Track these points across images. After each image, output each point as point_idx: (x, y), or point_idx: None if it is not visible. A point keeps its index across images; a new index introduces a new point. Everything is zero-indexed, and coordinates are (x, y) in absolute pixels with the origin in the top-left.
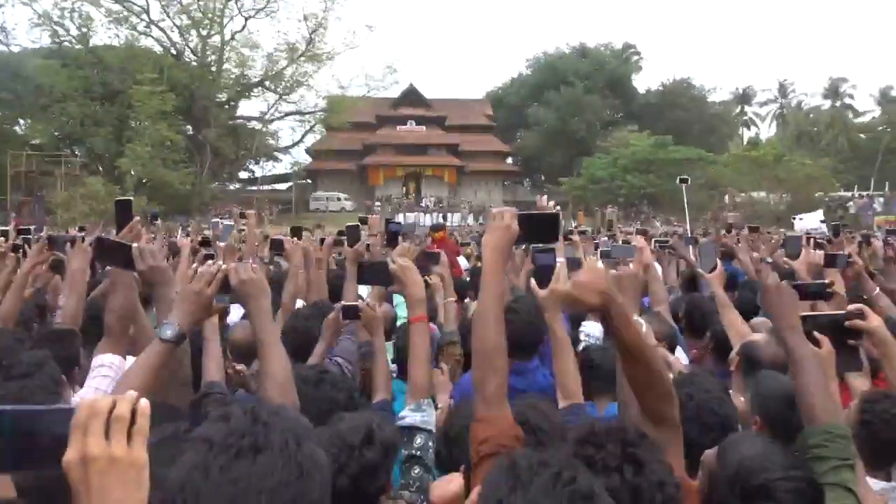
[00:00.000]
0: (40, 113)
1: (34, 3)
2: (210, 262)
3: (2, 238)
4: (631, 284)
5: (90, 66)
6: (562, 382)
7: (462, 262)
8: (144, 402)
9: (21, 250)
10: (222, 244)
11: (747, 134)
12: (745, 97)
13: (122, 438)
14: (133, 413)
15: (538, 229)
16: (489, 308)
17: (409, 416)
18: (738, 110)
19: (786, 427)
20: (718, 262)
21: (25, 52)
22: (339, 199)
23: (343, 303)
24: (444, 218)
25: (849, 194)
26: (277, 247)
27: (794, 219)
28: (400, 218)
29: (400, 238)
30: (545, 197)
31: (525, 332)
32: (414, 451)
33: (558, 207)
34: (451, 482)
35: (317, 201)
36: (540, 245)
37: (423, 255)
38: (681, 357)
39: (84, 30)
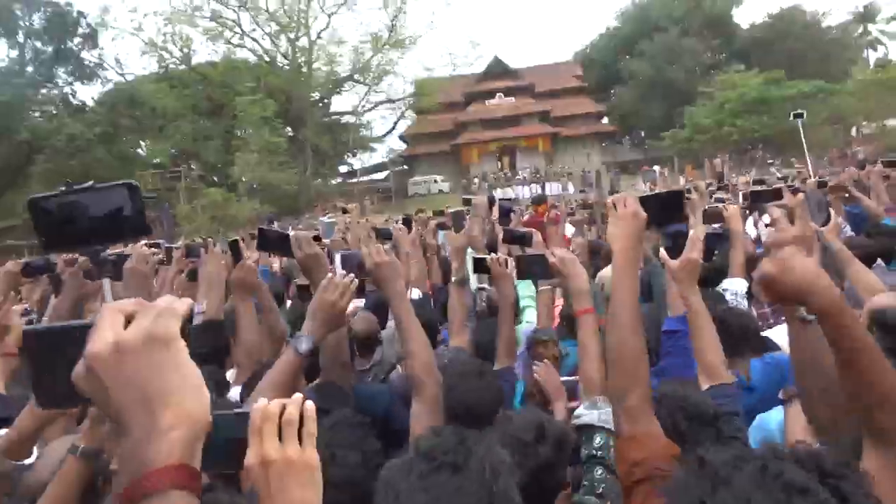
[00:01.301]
0: (157, 134)
1: (140, 33)
2: (342, 273)
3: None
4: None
5: (195, 84)
6: (703, 362)
7: (568, 229)
8: (310, 405)
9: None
10: (327, 241)
11: (874, 56)
12: (867, 15)
13: (295, 441)
14: (301, 416)
15: (663, 210)
16: (625, 309)
17: (585, 415)
18: (860, 31)
19: None
20: (831, 212)
21: (138, 80)
22: (435, 181)
23: (474, 254)
24: (543, 188)
25: None
26: (385, 235)
27: None
28: (498, 193)
29: (512, 214)
30: (718, 160)
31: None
32: (594, 451)
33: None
34: None
35: (415, 186)
36: None
37: (509, 235)
38: None
39: (185, 51)
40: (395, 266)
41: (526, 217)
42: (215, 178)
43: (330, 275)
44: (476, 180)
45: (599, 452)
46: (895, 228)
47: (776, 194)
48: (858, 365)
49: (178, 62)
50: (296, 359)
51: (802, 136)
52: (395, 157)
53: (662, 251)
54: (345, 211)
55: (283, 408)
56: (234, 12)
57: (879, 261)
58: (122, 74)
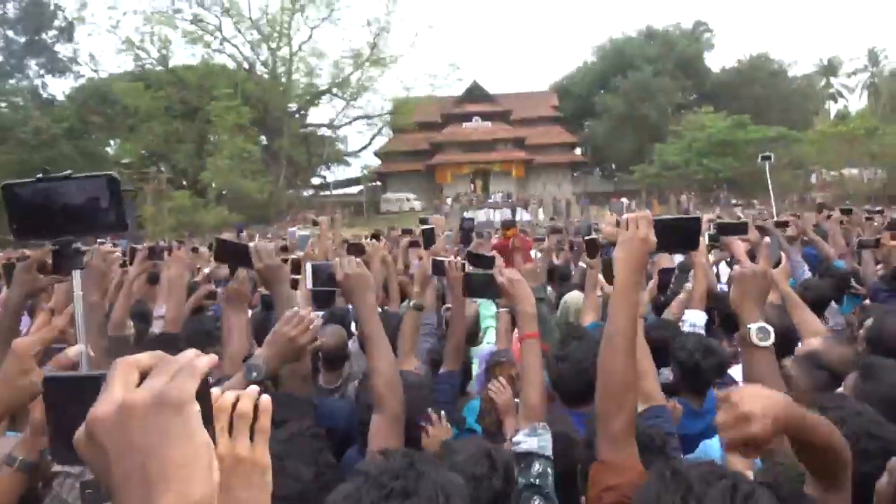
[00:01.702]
0: (128, 133)
1: (118, 31)
2: (308, 310)
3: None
4: (756, 284)
5: (170, 86)
6: (639, 385)
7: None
8: (266, 399)
9: (124, 264)
10: (300, 254)
11: (835, 107)
12: (830, 68)
13: (246, 437)
14: (255, 411)
15: (676, 236)
16: (620, 333)
17: (524, 442)
18: (822, 83)
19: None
20: (782, 255)
21: (112, 78)
22: (408, 199)
23: (433, 256)
24: (514, 213)
25: None
26: (356, 251)
27: None
28: (472, 216)
29: (473, 236)
30: (683, 197)
31: (578, 380)
32: (532, 480)
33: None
34: None
35: (387, 203)
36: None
37: (471, 256)
38: None
39: (163, 51)
40: (367, 278)
41: (494, 240)
42: (185, 183)
43: (295, 308)
44: (449, 201)
45: (538, 481)
46: (844, 271)
47: (742, 228)
48: (821, 445)
49: (154, 63)
50: (245, 385)
51: (768, 178)
52: (369, 173)
53: (601, 276)
54: (315, 223)
55: (237, 400)
56: (215, 17)
57: (833, 304)
58: (95, 71)
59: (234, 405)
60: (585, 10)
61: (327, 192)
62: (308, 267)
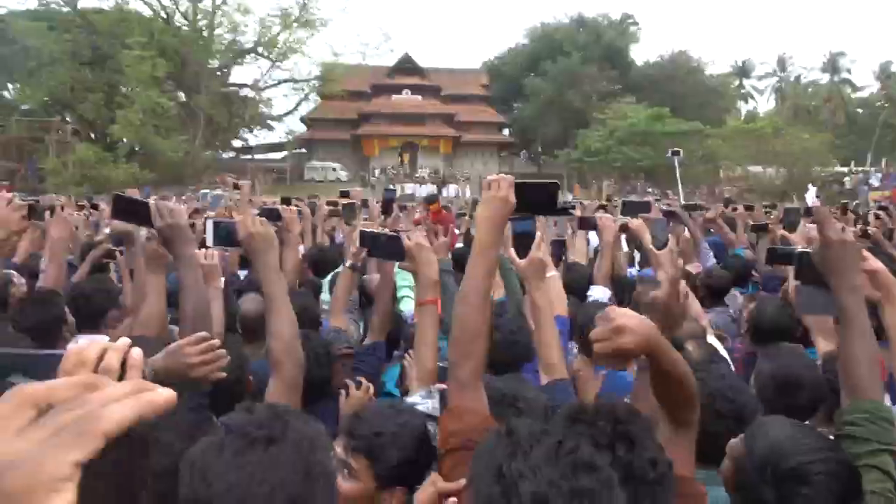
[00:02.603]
0: (29, 77)
1: None
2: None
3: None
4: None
5: (79, 30)
6: (543, 356)
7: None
8: (137, 353)
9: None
10: (212, 213)
11: (745, 108)
12: (743, 70)
13: None
14: (123, 365)
15: (535, 200)
16: (476, 286)
17: (420, 403)
18: (736, 84)
19: (782, 412)
20: (670, 237)
21: (11, 14)
22: (334, 169)
23: (363, 229)
24: (440, 189)
25: (845, 170)
26: (271, 216)
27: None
28: (398, 189)
29: (395, 207)
30: (605, 184)
31: (509, 351)
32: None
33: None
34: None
35: (311, 171)
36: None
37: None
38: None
39: None
40: (270, 237)
41: (417, 215)
42: (92, 135)
43: (203, 333)
44: (377, 172)
45: (434, 443)
46: (746, 259)
47: (645, 207)
48: (682, 382)
49: (61, 3)
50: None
51: (677, 171)
52: (293, 139)
53: (511, 250)
54: (236, 187)
55: (104, 352)
56: None
57: (734, 290)
58: None
59: (101, 359)
60: None
61: (249, 157)
62: (209, 224)
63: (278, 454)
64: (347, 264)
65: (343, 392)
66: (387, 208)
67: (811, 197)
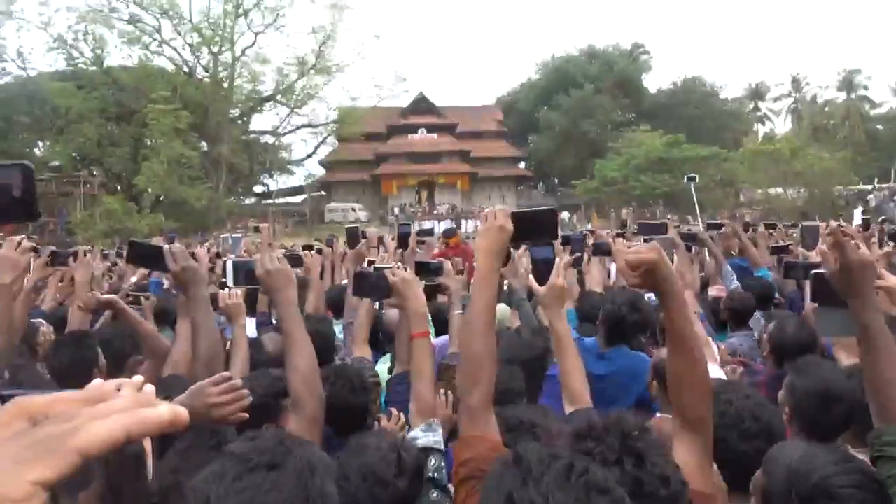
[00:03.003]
0: (58, 135)
1: (49, 28)
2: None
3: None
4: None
5: (105, 87)
6: (567, 385)
7: None
8: (150, 389)
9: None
10: (233, 256)
11: (762, 130)
12: (757, 93)
13: None
14: None
15: (534, 228)
16: (479, 315)
17: (421, 437)
18: (751, 106)
19: (819, 426)
20: (674, 254)
21: (41, 76)
22: (353, 209)
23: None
24: (458, 224)
25: (868, 187)
26: (294, 262)
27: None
28: (416, 227)
29: (410, 240)
30: (625, 212)
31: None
32: (431, 474)
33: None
34: None
35: (331, 212)
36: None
37: (420, 266)
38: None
39: (98, 51)
40: (288, 274)
41: (436, 250)
42: (119, 187)
43: (227, 374)
44: (396, 210)
45: (435, 475)
46: (767, 281)
47: (661, 228)
48: (686, 348)
49: (88, 62)
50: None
51: (694, 196)
52: (313, 182)
53: (531, 277)
54: (257, 229)
55: (119, 389)
56: (154, 18)
57: (757, 313)
58: (23, 68)
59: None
60: (530, 27)
61: (270, 201)
62: (229, 264)
63: (278, 479)
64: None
65: (376, 424)
66: (403, 242)
67: (857, 217)
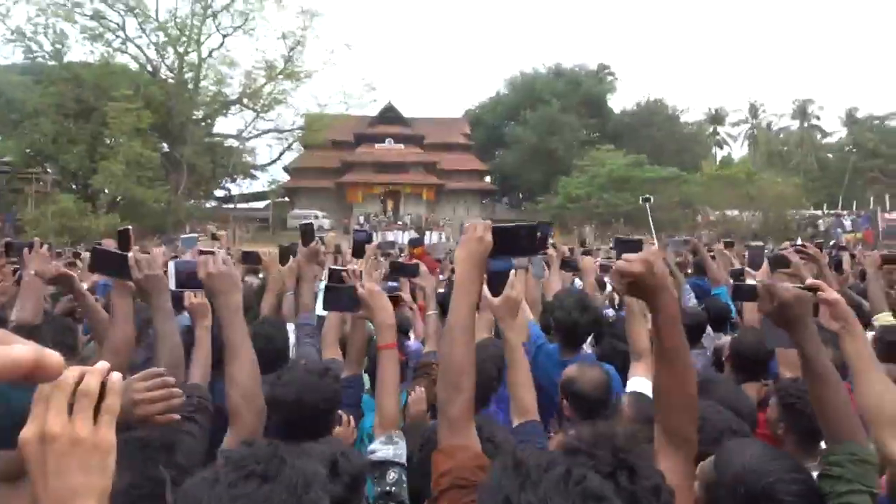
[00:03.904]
0: (11, 129)
1: (6, 19)
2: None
3: None
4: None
5: (64, 83)
6: (516, 397)
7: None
8: (116, 377)
9: None
10: (188, 256)
11: (720, 154)
12: (717, 117)
13: (88, 416)
14: (102, 388)
15: (515, 242)
16: (458, 324)
17: (380, 450)
18: (710, 130)
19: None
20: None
21: None
22: (316, 216)
23: (331, 267)
24: (422, 235)
25: (819, 213)
26: (251, 260)
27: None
28: (380, 236)
29: (368, 249)
30: (586, 228)
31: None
32: (388, 488)
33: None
34: None
35: (294, 219)
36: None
37: (396, 266)
38: None
39: (58, 46)
40: (231, 278)
41: (401, 259)
42: (74, 186)
43: (158, 369)
44: (361, 219)
45: (393, 489)
46: (723, 303)
47: (637, 245)
48: (677, 364)
49: (47, 56)
50: None
51: (650, 216)
52: (276, 188)
53: (485, 288)
54: (214, 237)
55: (81, 376)
56: (119, 15)
57: (709, 329)
58: None
59: (79, 382)
60: (499, 42)
61: (231, 206)
62: (171, 266)
63: (271, 491)
64: None
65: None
66: (358, 251)
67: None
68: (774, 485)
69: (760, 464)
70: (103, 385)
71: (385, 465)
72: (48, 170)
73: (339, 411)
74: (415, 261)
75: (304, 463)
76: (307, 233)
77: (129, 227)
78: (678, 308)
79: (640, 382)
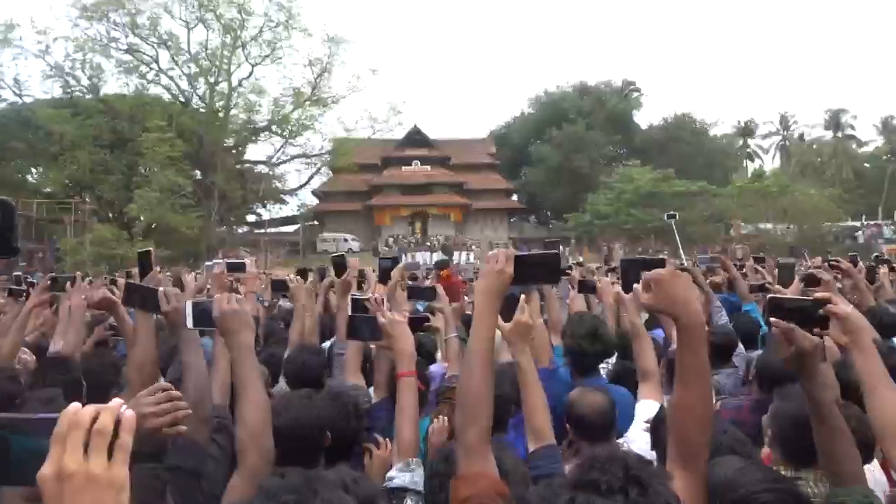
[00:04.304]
0: (52, 162)
1: (47, 56)
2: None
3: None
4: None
5: (100, 115)
6: (530, 421)
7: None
8: (129, 415)
9: (24, 294)
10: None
11: (751, 166)
12: (746, 130)
13: (103, 454)
14: (117, 426)
15: (536, 271)
16: (476, 355)
17: (397, 477)
18: (740, 143)
19: (799, 451)
20: (637, 286)
21: (37, 103)
22: (345, 240)
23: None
24: (450, 255)
25: (857, 224)
26: (280, 287)
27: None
28: (408, 258)
29: (394, 273)
30: (615, 245)
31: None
32: None
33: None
34: None
35: (324, 243)
36: None
37: (413, 291)
38: None
39: (95, 80)
40: (243, 317)
41: (428, 281)
42: (110, 214)
43: (164, 384)
44: (390, 240)
45: None
46: (753, 319)
47: (660, 264)
48: (698, 381)
49: (84, 90)
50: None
51: (676, 233)
52: (306, 212)
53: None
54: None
55: (97, 415)
56: (152, 48)
57: (740, 347)
58: (19, 95)
59: (94, 421)
60: (523, 62)
61: (262, 230)
62: (188, 306)
63: None
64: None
65: (368, 453)
66: (384, 276)
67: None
68: (753, 494)
69: (739, 475)
70: (117, 422)
71: (402, 492)
72: (86, 199)
73: (375, 434)
74: (433, 283)
75: (333, 494)
76: (339, 264)
77: (150, 248)
78: (704, 327)
79: (648, 406)
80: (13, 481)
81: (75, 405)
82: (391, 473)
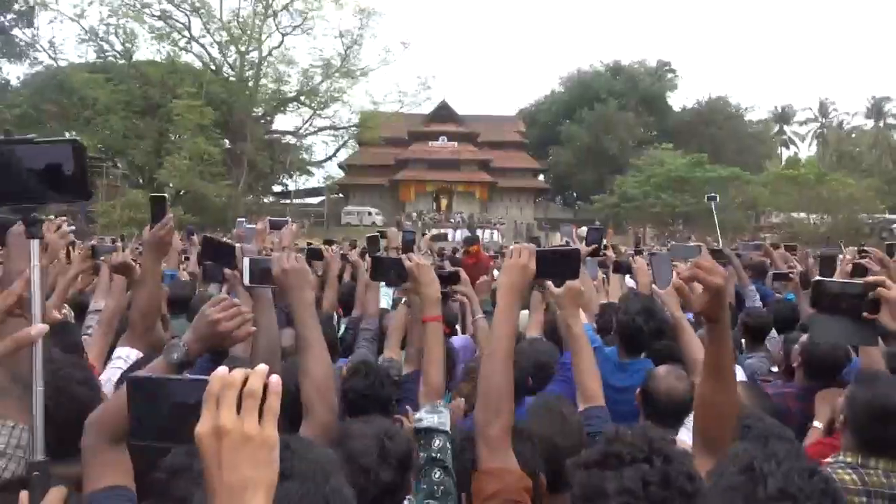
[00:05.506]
0: (84, 125)
1: (81, 20)
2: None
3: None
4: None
5: (132, 81)
6: (581, 383)
7: (497, 274)
8: (276, 379)
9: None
10: (249, 245)
11: (786, 154)
12: (783, 116)
13: (255, 415)
14: (264, 390)
15: (557, 266)
16: (499, 349)
17: (426, 419)
18: (776, 130)
19: (875, 440)
20: (675, 276)
21: (71, 67)
22: (370, 213)
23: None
24: (473, 233)
25: (894, 217)
26: (315, 255)
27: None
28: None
29: (423, 244)
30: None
31: (524, 375)
32: (434, 454)
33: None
34: None
35: (348, 215)
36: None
37: (393, 263)
38: None
39: (128, 45)
40: (305, 273)
41: (458, 255)
42: (140, 180)
43: (223, 295)
44: (414, 215)
45: (438, 455)
46: (790, 303)
47: (694, 252)
48: (727, 375)
49: (117, 56)
50: (167, 368)
51: (715, 216)
52: (331, 184)
53: (549, 282)
54: (329, 242)
55: (246, 378)
56: (185, 15)
57: (774, 333)
58: (54, 59)
59: (244, 383)
60: (555, 40)
61: (288, 201)
62: (245, 261)
63: (293, 488)
64: (403, 301)
65: (399, 423)
66: (407, 251)
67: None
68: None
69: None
70: (265, 386)
71: (430, 432)
72: (117, 164)
73: (406, 405)
74: (457, 268)
75: (316, 452)
76: (374, 243)
77: (165, 195)
78: (728, 322)
79: None
80: (167, 439)
81: (223, 368)
82: (420, 415)
